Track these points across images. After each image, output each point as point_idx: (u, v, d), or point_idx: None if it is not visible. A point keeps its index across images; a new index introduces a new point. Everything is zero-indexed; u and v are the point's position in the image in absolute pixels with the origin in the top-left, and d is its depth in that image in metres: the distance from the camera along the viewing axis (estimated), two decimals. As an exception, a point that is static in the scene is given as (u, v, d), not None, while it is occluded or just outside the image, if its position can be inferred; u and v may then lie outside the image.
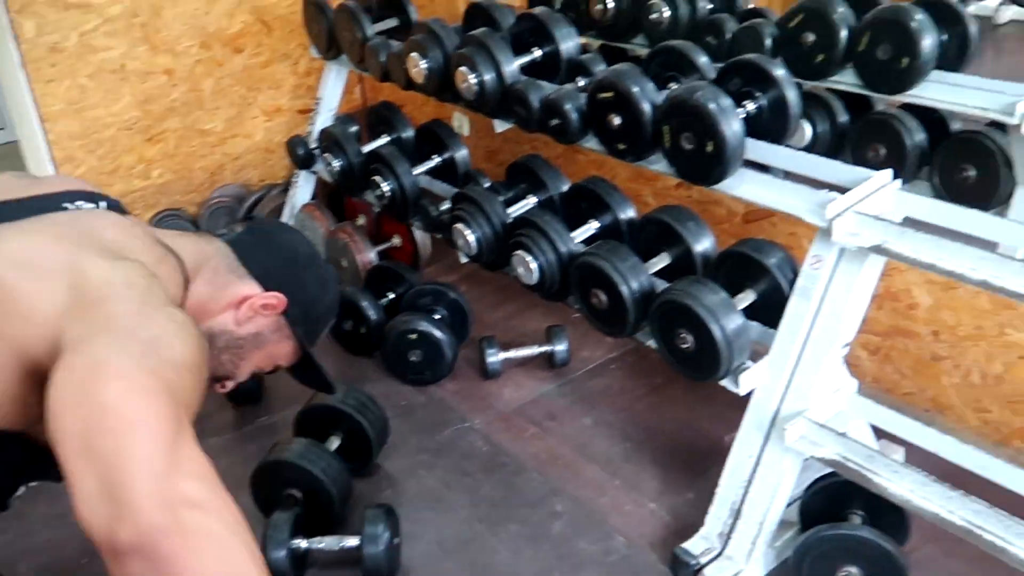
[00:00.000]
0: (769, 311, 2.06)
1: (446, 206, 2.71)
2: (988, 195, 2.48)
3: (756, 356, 2.02)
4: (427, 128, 3.05)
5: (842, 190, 1.89)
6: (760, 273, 2.10)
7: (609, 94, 2.16)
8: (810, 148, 2.73)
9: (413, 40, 2.70)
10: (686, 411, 2.64)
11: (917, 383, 2.39)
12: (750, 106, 2.09)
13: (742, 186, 2.03)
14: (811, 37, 2.47)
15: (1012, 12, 5.18)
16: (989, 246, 1.73)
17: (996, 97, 2.25)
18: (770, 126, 2.10)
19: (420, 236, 3.38)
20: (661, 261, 2.29)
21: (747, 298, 2.10)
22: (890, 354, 2.42)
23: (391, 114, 3.13)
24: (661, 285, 2.15)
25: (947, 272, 1.68)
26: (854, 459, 1.85)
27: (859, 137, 2.68)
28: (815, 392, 1.94)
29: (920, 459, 1.91)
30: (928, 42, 2.27)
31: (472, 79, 2.47)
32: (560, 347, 2.84)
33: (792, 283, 1.98)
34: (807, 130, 2.75)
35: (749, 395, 2.01)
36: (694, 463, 2.43)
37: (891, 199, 1.90)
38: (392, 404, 2.69)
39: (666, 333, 2.05)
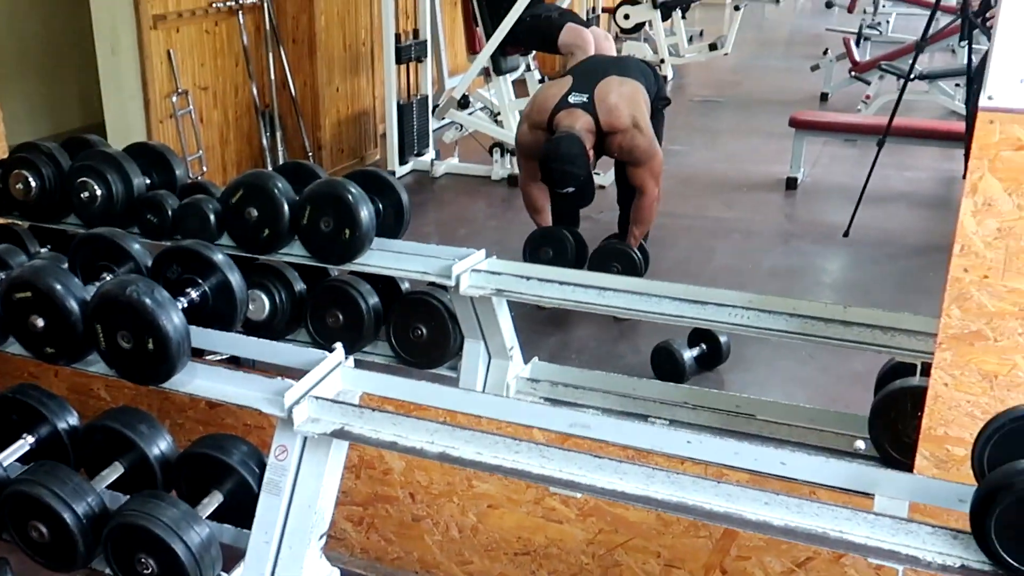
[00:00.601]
0: (240, 510, 1.90)
1: None
2: (442, 349, 2.61)
3: (237, 559, 1.84)
4: None
5: (299, 373, 1.83)
6: (225, 472, 1.94)
7: (27, 293, 1.88)
8: (270, 320, 2.68)
9: None
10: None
11: (403, 546, 2.38)
12: (193, 294, 1.96)
13: (194, 381, 1.87)
14: (255, 212, 2.42)
15: (445, 166, 5.75)
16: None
17: (434, 262, 2.38)
18: (217, 312, 1.98)
19: None
20: (113, 472, 2.01)
21: (213, 502, 1.92)
22: (374, 522, 2.39)
23: None
24: (119, 499, 1.90)
25: (407, 449, 1.67)
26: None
27: (317, 305, 2.68)
28: (298, 592, 1.81)
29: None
30: (365, 213, 2.35)
31: None
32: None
33: (261, 477, 1.85)
34: (265, 302, 2.68)
35: (229, 609, 1.82)
36: None
37: (349, 377, 1.88)
38: None
39: (124, 560, 1.79)
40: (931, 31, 4.65)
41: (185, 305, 1.92)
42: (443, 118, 5.67)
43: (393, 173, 5.66)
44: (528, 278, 2.30)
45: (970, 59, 4.20)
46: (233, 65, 5.20)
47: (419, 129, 5.80)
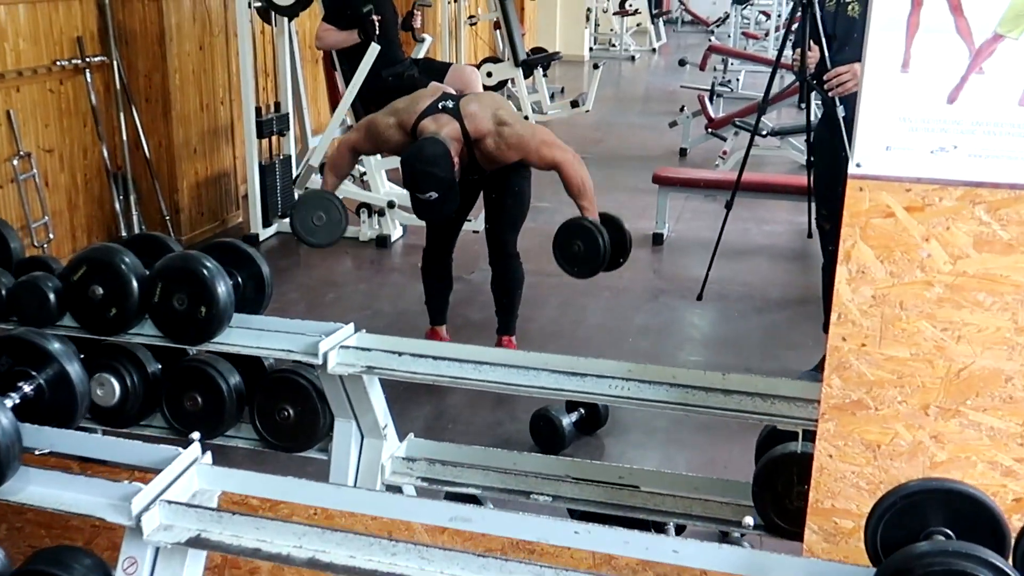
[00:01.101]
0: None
1: None
2: (311, 431, 2.46)
3: None
4: None
5: (151, 471, 1.66)
6: (65, 588, 1.73)
7: None
8: (122, 406, 2.46)
9: None
10: None
11: (273, 649, 2.20)
12: (26, 388, 1.77)
13: (27, 488, 1.67)
14: (100, 290, 2.24)
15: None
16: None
17: (299, 339, 2.25)
18: (54, 406, 1.79)
19: None
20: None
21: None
22: (240, 624, 2.20)
23: None
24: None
25: (272, 556, 1.53)
26: None
27: (174, 387, 2.49)
28: None
29: None
30: (222, 289, 2.19)
31: None
32: None
33: (107, 592, 1.66)
34: (115, 386, 2.47)
35: None
36: None
37: (206, 475, 1.71)
38: None
39: None
40: (774, 90, 4.85)
41: (17, 401, 1.73)
42: (304, 188, 5.51)
43: (256, 236, 5.46)
44: (400, 354, 2.18)
45: (808, 120, 4.25)
46: (81, 126, 4.93)
47: (283, 190, 5.62)
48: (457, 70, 5.38)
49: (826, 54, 3.55)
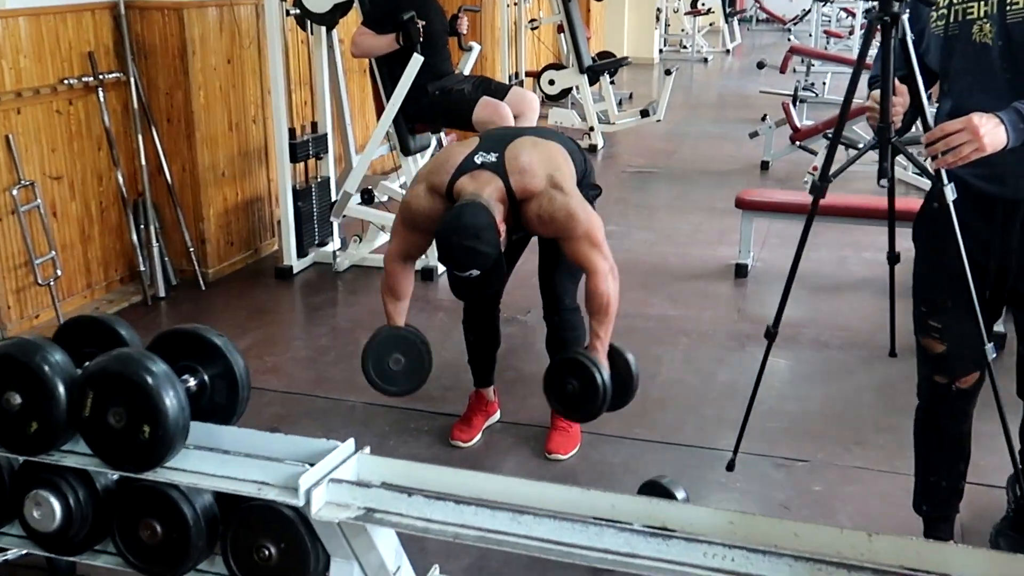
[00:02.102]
0: None
1: None
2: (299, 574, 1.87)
3: None
4: None
5: None
6: None
7: None
8: (64, 531, 1.92)
9: None
10: None
11: None
12: None
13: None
14: (17, 398, 1.69)
15: (350, 258, 5.03)
16: None
17: (274, 468, 1.66)
18: None
19: None
20: None
21: None
22: None
23: None
24: None
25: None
26: None
27: (128, 511, 1.92)
28: None
29: None
30: (171, 402, 1.63)
31: None
32: None
33: None
34: (56, 507, 1.92)
35: None
36: None
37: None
38: None
39: None
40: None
41: None
42: (341, 217, 4.95)
43: (291, 269, 4.92)
44: (410, 493, 1.58)
45: (891, 203, 2.80)
46: (95, 149, 4.44)
47: (320, 216, 5.08)
48: (517, 94, 4.75)
49: (924, 100, 2.18)
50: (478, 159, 2.73)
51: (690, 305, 4.53)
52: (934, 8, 2.15)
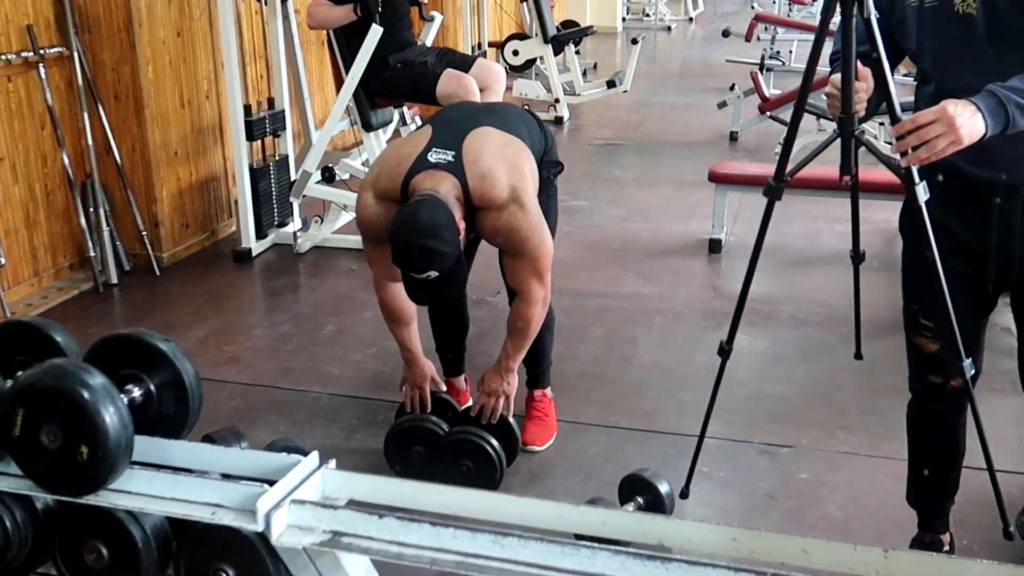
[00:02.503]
0: None
1: None
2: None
3: None
4: None
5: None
6: None
7: None
8: (2, 552, 1.75)
9: None
10: None
11: None
12: None
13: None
14: (-61, 415, 1.51)
15: (311, 239, 4.86)
16: None
17: (229, 489, 1.50)
18: None
19: None
20: None
21: None
22: None
23: None
24: None
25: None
26: None
27: (71, 531, 1.76)
28: None
29: None
30: (111, 419, 1.45)
31: None
32: None
33: None
34: None
35: None
36: None
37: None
38: None
39: None
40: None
41: None
42: (301, 196, 4.75)
43: (249, 251, 4.72)
44: (381, 515, 1.43)
45: (855, 208, 2.75)
46: (38, 129, 4.21)
47: (279, 196, 4.88)
48: (483, 67, 4.56)
49: (892, 86, 1.92)
50: (432, 157, 2.53)
51: (664, 283, 4.40)
52: None
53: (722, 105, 7.22)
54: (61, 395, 1.44)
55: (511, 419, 2.85)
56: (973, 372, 2.06)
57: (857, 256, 2.48)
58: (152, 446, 1.59)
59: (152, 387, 1.63)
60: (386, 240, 2.48)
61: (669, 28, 14.54)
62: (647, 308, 4.12)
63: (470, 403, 3.20)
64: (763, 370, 3.59)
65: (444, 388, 2.98)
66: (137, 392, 1.62)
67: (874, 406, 3.24)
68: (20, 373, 1.66)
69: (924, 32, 1.95)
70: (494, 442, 2.69)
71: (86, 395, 1.44)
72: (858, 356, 2.79)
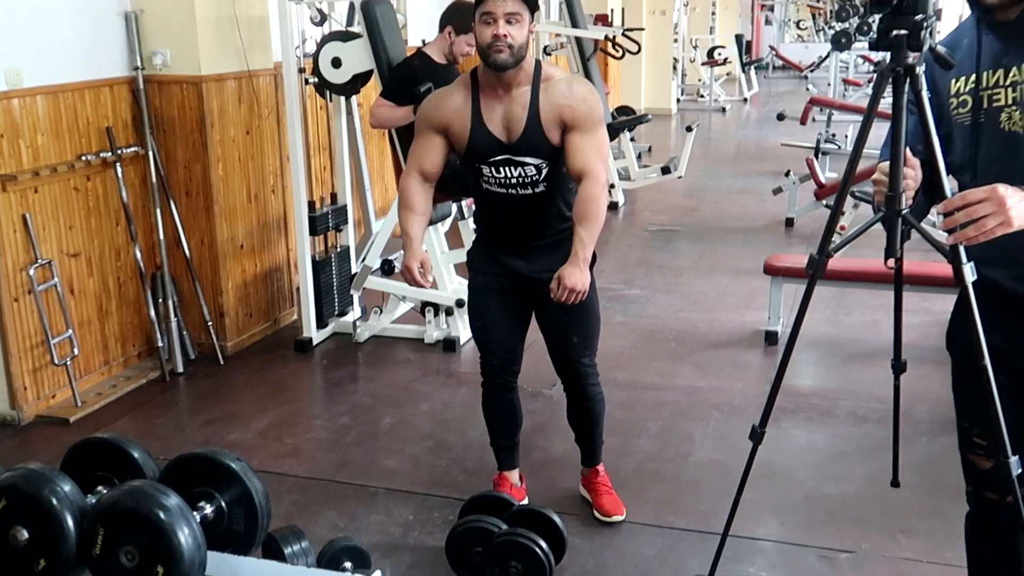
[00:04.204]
0: None
1: None
2: None
3: None
4: None
5: None
6: None
7: None
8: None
9: None
10: None
11: None
12: None
13: None
14: (24, 533, 1.58)
15: (370, 329, 4.94)
16: None
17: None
18: None
19: None
20: None
21: None
22: None
23: None
24: None
25: None
26: None
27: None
28: None
29: None
30: (186, 539, 1.51)
31: None
32: None
33: None
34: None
35: None
36: None
37: None
38: None
39: None
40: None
41: None
42: (361, 288, 4.86)
43: (310, 340, 4.83)
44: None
45: (898, 295, 2.68)
46: (112, 225, 4.40)
47: (340, 286, 5.01)
48: None
49: (941, 164, 1.89)
50: None
51: (720, 376, 4.40)
52: (955, 95, 1.97)
53: (778, 191, 7.26)
54: (139, 516, 1.51)
55: (557, 519, 2.85)
56: (1020, 471, 2.02)
57: (898, 365, 2.38)
58: (224, 562, 1.65)
59: (223, 504, 1.70)
60: (443, 120, 2.96)
61: (724, 109, 14.68)
62: (703, 402, 4.11)
63: (526, 501, 3.22)
64: (822, 468, 3.55)
65: (432, 279, 3.00)
66: (209, 509, 1.68)
67: (935, 508, 3.18)
68: (100, 488, 1.75)
69: (971, 146, 1.97)
70: (542, 543, 2.70)
71: (163, 516, 1.50)
72: (895, 484, 2.63)
